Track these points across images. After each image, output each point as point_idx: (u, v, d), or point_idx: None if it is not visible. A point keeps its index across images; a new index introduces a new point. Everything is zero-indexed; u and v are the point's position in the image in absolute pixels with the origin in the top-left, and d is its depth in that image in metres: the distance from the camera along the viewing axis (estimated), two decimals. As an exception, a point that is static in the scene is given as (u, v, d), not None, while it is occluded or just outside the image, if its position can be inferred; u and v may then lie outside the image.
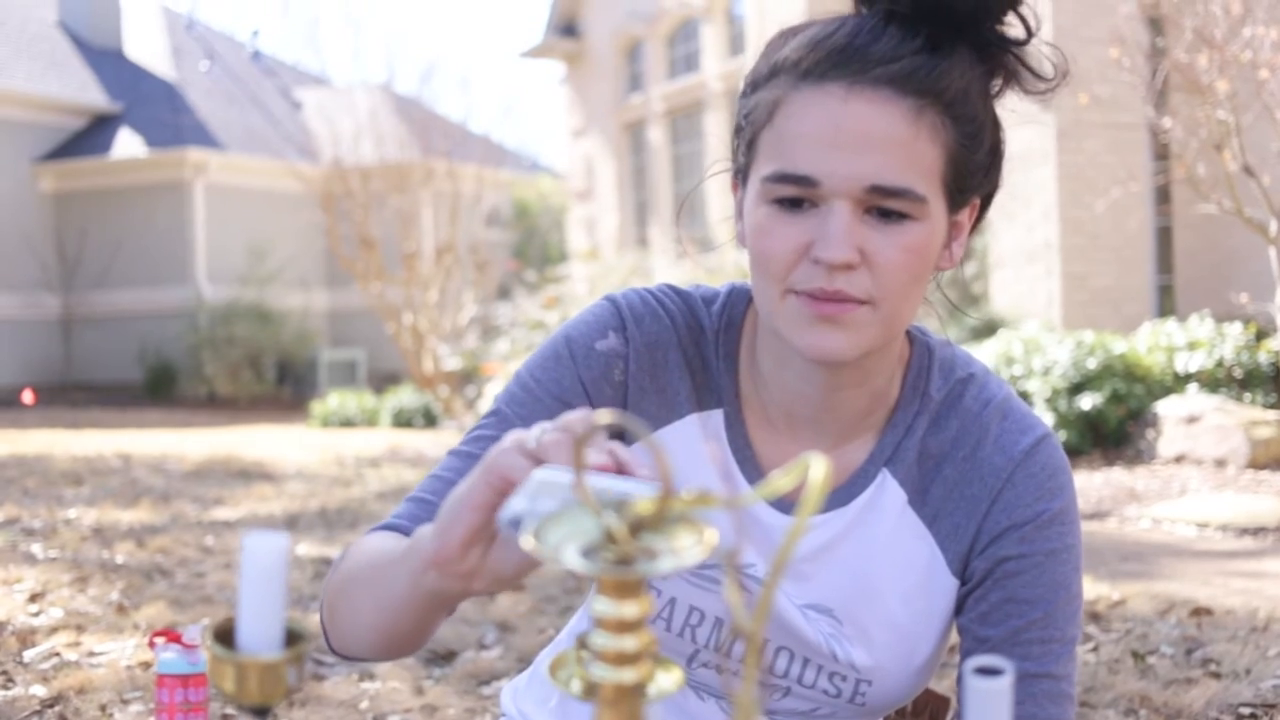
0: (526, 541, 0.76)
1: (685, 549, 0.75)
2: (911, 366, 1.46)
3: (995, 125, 1.35)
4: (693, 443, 1.44)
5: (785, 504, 1.44)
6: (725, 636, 1.45)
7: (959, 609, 1.44)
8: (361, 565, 1.28)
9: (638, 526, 0.77)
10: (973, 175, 1.33)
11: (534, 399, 1.43)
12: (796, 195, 1.28)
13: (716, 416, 1.46)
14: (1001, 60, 1.33)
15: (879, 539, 1.43)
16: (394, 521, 1.39)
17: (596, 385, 1.43)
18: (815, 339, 1.30)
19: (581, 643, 0.79)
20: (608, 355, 1.43)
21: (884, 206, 1.27)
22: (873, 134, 1.25)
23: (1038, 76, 1.36)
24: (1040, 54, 1.38)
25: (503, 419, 1.43)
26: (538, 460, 0.98)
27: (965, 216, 1.38)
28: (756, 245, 1.31)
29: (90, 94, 22.97)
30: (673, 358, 1.45)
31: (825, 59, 1.28)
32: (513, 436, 1.01)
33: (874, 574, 1.43)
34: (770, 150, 1.30)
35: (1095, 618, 4.44)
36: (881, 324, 1.31)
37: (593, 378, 1.43)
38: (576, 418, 0.99)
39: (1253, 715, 3.26)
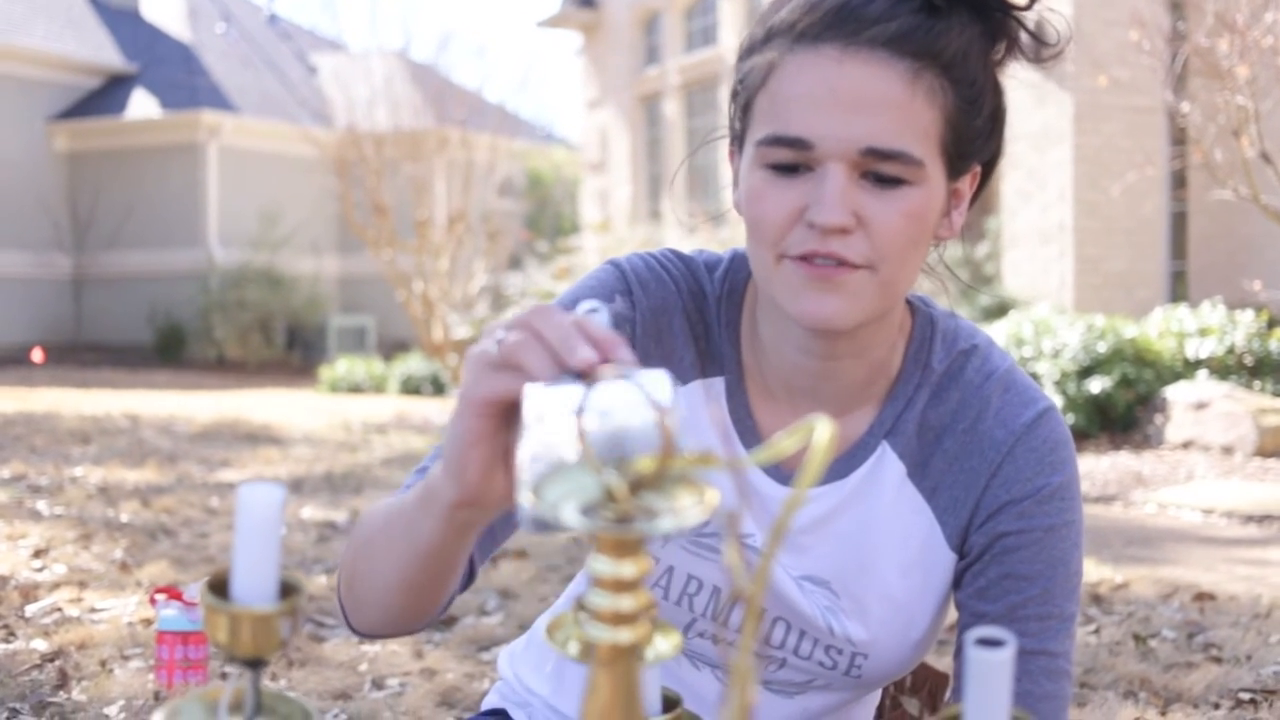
0: (525, 497, 0.75)
1: (685, 509, 0.74)
2: (914, 338, 1.44)
3: (996, 90, 1.33)
4: (696, 409, 1.43)
5: (784, 474, 1.43)
6: (723, 605, 1.44)
7: (957, 583, 1.43)
8: (378, 528, 1.25)
9: (638, 485, 0.76)
10: (973, 140, 1.31)
11: None
12: (791, 159, 1.26)
13: (719, 384, 1.45)
14: (1003, 25, 1.31)
15: (877, 512, 1.42)
16: (403, 493, 1.37)
17: None
18: (811, 305, 1.28)
19: (579, 604, 0.78)
20: (614, 320, 1.41)
21: (880, 170, 1.25)
22: (868, 96, 1.23)
23: (1040, 41, 1.34)
24: (1045, 20, 1.35)
25: None
26: (508, 368, 0.94)
27: (966, 184, 1.35)
28: (751, 209, 1.29)
29: (106, 54, 22.95)
30: (677, 323, 1.44)
31: (820, 20, 1.26)
32: (475, 353, 0.98)
33: (872, 547, 1.42)
34: (765, 114, 1.28)
35: (1098, 600, 4.44)
36: (879, 290, 1.29)
37: None
38: (531, 312, 0.95)
39: (1252, 700, 3.25)
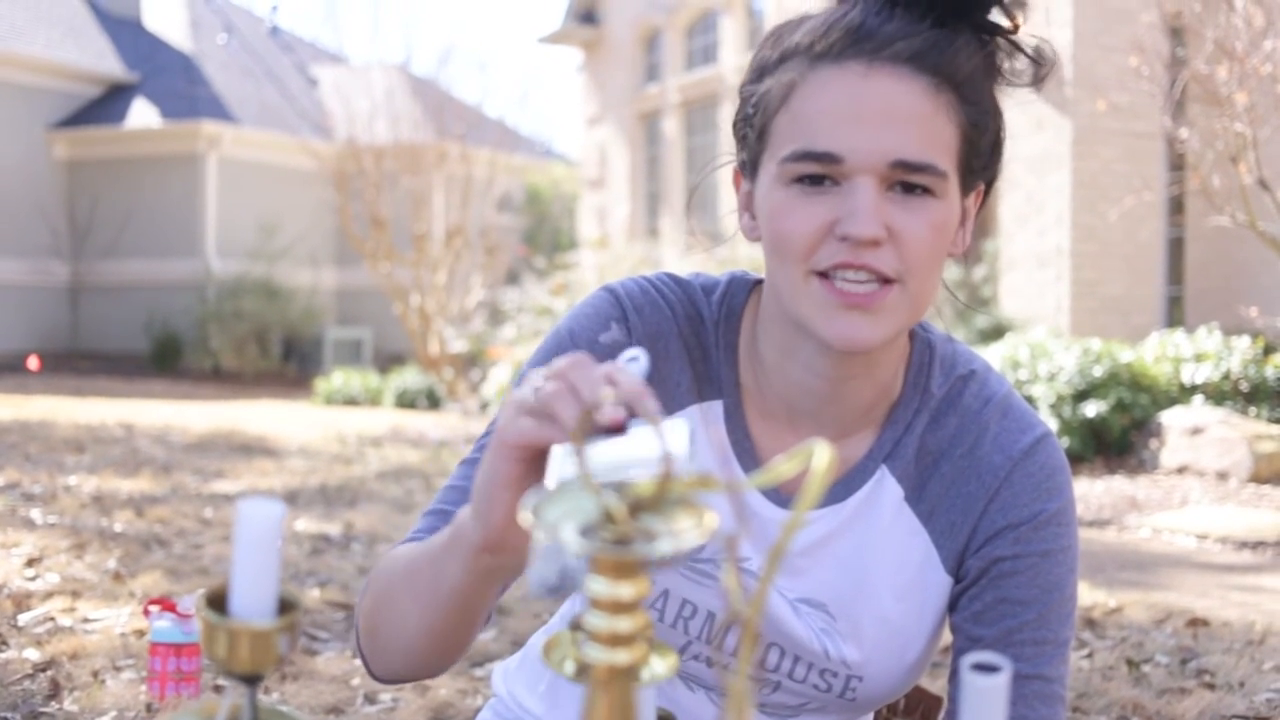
0: (524, 518, 0.76)
1: (684, 531, 0.75)
2: (913, 362, 1.45)
3: (997, 111, 1.35)
4: (693, 433, 1.43)
5: (783, 497, 1.43)
6: (718, 629, 1.45)
7: (953, 607, 1.43)
8: (399, 573, 1.27)
9: (637, 507, 0.76)
10: (980, 158, 1.33)
11: None
12: (818, 173, 1.27)
13: (716, 407, 1.45)
14: (995, 48, 1.33)
15: (875, 535, 1.42)
16: (416, 536, 1.38)
17: None
18: (844, 328, 1.28)
19: (575, 624, 0.79)
20: (611, 348, 1.42)
21: (908, 182, 1.26)
22: (895, 109, 1.25)
23: (1036, 62, 1.35)
24: (1041, 44, 1.38)
25: None
26: (541, 416, 0.99)
27: (972, 201, 1.37)
28: (776, 227, 1.29)
29: (107, 63, 22.97)
30: (673, 348, 1.44)
31: (841, 39, 1.27)
32: (512, 398, 1.02)
33: (869, 570, 1.42)
34: (787, 132, 1.29)
35: (1091, 624, 4.44)
36: (909, 305, 1.30)
37: None
38: (568, 364, 0.99)
39: (1245, 728, 3.25)
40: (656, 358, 1.43)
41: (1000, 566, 1.39)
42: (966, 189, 1.34)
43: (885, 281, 1.27)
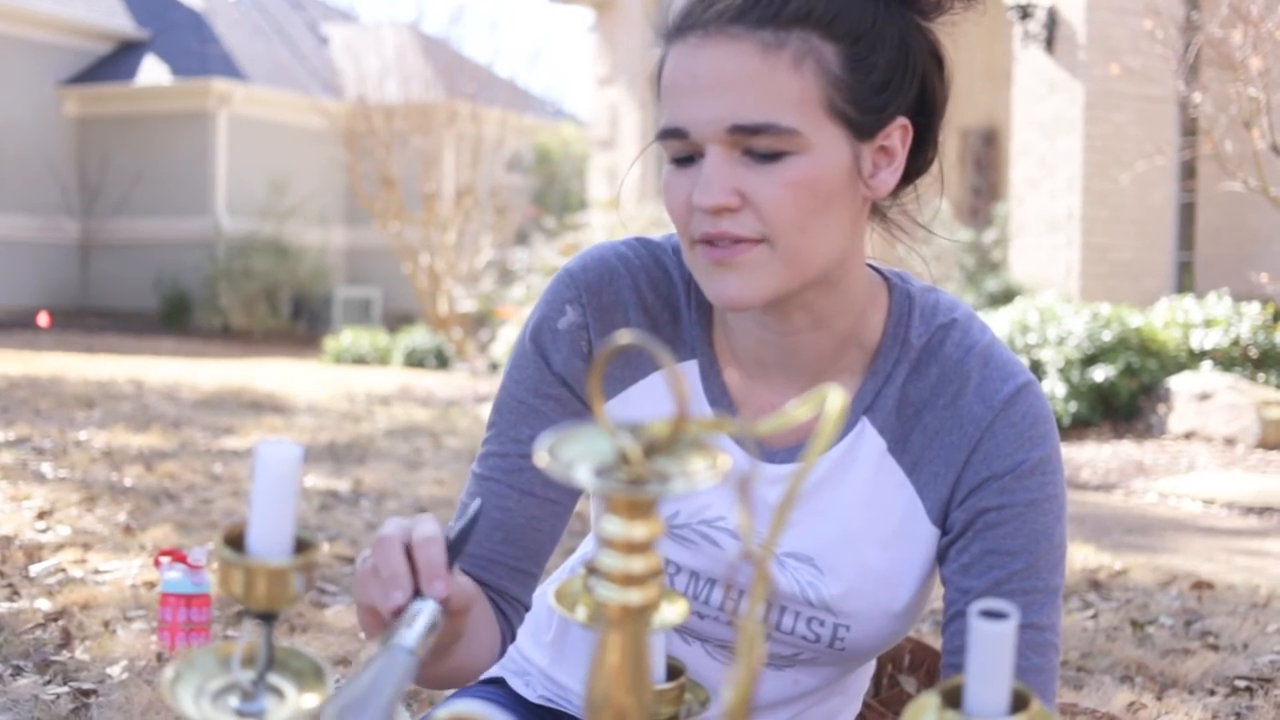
0: (540, 459, 0.77)
1: (697, 473, 0.76)
2: (891, 314, 1.45)
3: (900, 38, 1.33)
4: (658, 400, 1.45)
5: (767, 451, 1.44)
6: (703, 588, 1.47)
7: (942, 559, 1.44)
8: None
9: (651, 449, 0.77)
10: (874, 95, 1.32)
11: (520, 404, 1.47)
12: (682, 149, 1.31)
13: (691, 367, 1.46)
14: None
15: (858, 486, 1.43)
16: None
17: (569, 365, 1.45)
18: (716, 286, 1.32)
19: (589, 567, 0.80)
20: (570, 332, 1.45)
21: (753, 145, 1.27)
22: (724, 75, 1.27)
23: None
24: None
25: (500, 433, 1.47)
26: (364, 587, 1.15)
27: (895, 140, 1.35)
28: (665, 203, 1.34)
29: (117, 19, 22.91)
30: (632, 318, 1.46)
31: (689, 13, 1.31)
32: (358, 564, 1.18)
33: (853, 521, 1.43)
34: (662, 110, 1.33)
35: (1096, 586, 4.45)
36: (782, 262, 1.30)
37: (563, 360, 1.45)
38: (377, 544, 1.14)
39: (1248, 688, 3.27)
40: (614, 331, 1.45)
41: (986, 518, 1.40)
42: (865, 131, 1.32)
43: (745, 239, 1.29)
